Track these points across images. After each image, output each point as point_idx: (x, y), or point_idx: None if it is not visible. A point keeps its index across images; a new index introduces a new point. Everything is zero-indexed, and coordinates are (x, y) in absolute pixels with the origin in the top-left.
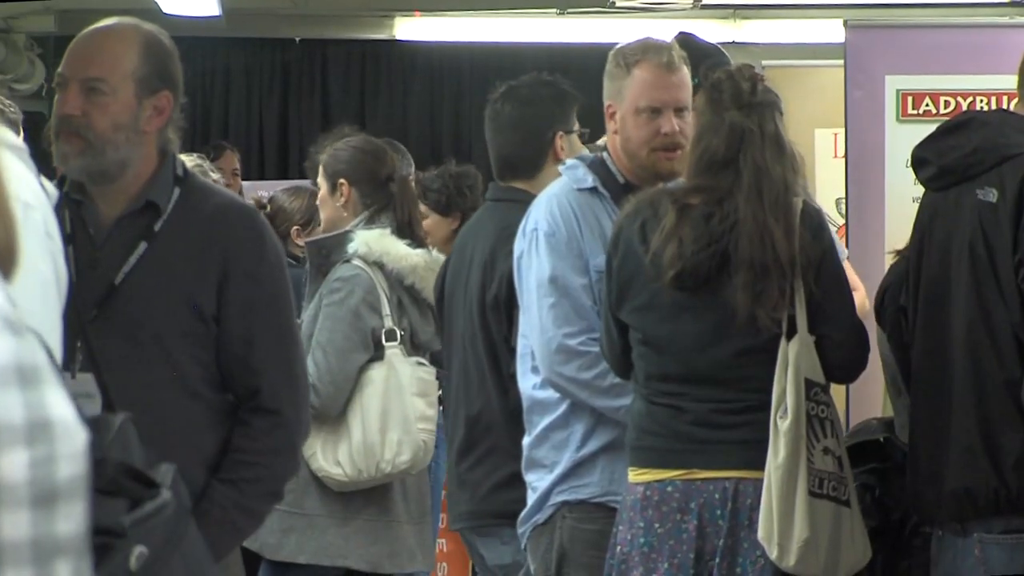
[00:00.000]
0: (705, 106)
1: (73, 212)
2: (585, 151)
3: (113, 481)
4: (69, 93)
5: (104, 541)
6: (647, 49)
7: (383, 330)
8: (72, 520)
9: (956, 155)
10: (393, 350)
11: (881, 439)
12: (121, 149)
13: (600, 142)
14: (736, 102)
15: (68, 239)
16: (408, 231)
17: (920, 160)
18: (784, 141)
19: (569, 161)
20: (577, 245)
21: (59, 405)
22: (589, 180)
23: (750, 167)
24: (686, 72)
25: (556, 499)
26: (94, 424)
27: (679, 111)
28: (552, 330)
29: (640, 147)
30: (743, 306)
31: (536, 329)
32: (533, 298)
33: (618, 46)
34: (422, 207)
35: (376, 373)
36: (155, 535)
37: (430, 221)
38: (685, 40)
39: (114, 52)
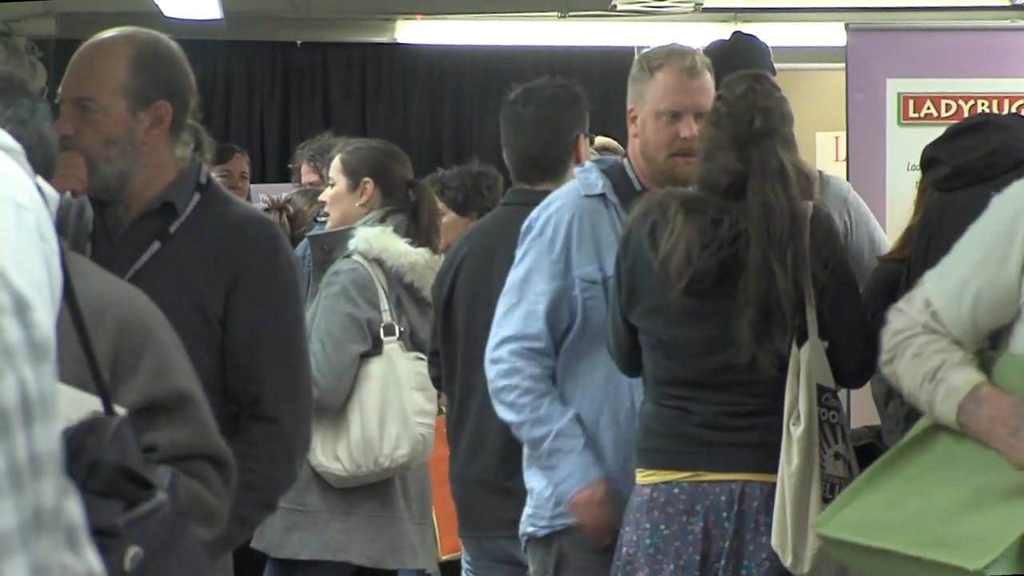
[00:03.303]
0: (706, 130)
1: (97, 212)
2: (594, 153)
3: (109, 482)
4: (65, 113)
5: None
6: (670, 54)
7: (381, 325)
8: None
9: (971, 156)
10: (392, 345)
11: (867, 444)
12: (115, 163)
13: (596, 143)
14: (734, 143)
15: (89, 237)
16: (425, 239)
17: (931, 160)
18: (788, 171)
19: (587, 163)
20: (563, 252)
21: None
22: (599, 186)
23: (757, 203)
24: (708, 77)
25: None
26: (91, 426)
27: (699, 116)
28: (495, 329)
29: (658, 151)
30: (746, 346)
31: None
32: (504, 296)
33: (644, 51)
34: (440, 204)
35: (374, 368)
36: (150, 536)
37: (447, 219)
38: (739, 39)
39: (101, 69)
